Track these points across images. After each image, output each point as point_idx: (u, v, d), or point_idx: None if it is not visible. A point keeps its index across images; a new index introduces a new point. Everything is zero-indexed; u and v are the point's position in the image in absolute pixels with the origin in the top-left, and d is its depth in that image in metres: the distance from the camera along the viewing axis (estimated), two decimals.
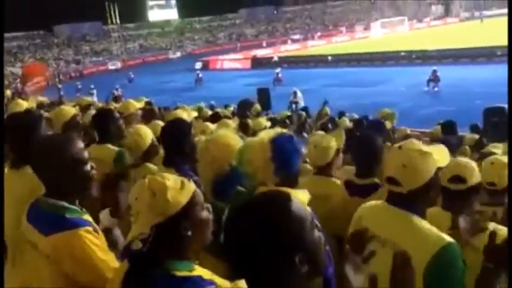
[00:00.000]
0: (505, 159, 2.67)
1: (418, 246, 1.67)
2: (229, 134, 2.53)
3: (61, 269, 1.89)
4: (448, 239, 1.70)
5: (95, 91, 27.17)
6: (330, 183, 2.97)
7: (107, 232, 2.13)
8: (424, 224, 1.76)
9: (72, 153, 1.99)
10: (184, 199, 1.49)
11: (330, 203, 2.74)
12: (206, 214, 1.58)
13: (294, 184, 2.05)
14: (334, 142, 3.00)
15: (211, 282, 1.43)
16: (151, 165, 3.32)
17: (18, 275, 2.36)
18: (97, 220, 2.14)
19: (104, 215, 2.20)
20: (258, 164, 1.98)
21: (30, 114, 2.78)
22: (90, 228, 1.92)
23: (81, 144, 2.07)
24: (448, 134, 6.20)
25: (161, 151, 3.54)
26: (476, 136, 7.04)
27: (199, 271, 1.47)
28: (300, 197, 1.91)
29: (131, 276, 1.47)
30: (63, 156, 1.97)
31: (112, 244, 2.09)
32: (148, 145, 3.39)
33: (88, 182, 2.09)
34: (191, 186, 1.54)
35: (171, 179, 1.52)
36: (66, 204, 1.95)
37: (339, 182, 3.02)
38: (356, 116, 9.81)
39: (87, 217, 2.00)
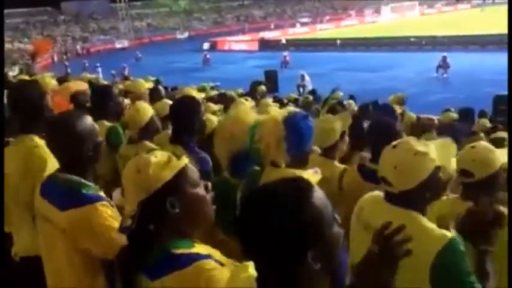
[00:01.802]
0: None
1: (421, 244, 1.61)
2: (248, 111, 2.52)
3: (77, 243, 1.95)
4: (450, 234, 1.66)
5: (100, 69, 27.10)
6: (329, 166, 2.94)
7: (119, 210, 2.16)
8: (424, 222, 1.73)
9: (86, 125, 2.08)
10: (167, 174, 1.47)
11: (329, 186, 2.71)
12: (200, 191, 1.54)
13: (304, 164, 2.03)
14: (338, 124, 2.95)
15: (208, 256, 1.43)
16: (148, 143, 3.24)
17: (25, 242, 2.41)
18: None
19: (117, 193, 2.23)
20: (270, 142, 1.96)
21: (37, 88, 2.79)
22: (106, 203, 1.98)
23: (90, 118, 2.15)
24: (465, 121, 6.10)
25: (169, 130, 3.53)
26: (487, 122, 6.96)
27: (199, 248, 1.47)
28: (310, 177, 1.90)
29: (129, 253, 1.47)
30: (80, 129, 2.04)
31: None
32: (145, 122, 3.28)
33: (101, 152, 2.17)
34: (179, 163, 1.51)
35: (159, 155, 1.50)
36: (81, 180, 2.01)
37: (339, 165, 2.99)
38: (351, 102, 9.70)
39: (102, 193, 2.05)
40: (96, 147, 2.10)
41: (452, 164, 2.55)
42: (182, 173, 1.50)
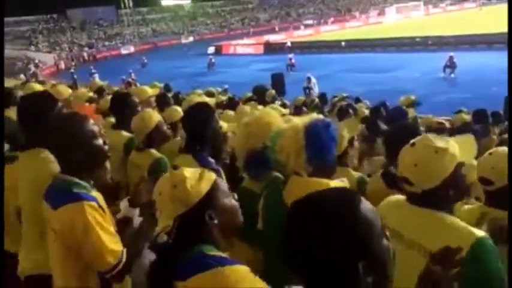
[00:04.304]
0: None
1: (450, 243, 1.53)
2: (274, 113, 2.51)
3: (64, 243, 1.93)
4: (481, 233, 1.59)
5: (96, 75, 26.84)
6: (344, 173, 2.89)
7: (127, 221, 2.13)
8: (453, 220, 1.66)
9: (83, 127, 2.03)
10: (204, 188, 1.52)
11: None
12: (232, 201, 1.60)
13: (329, 173, 1.97)
14: (346, 132, 2.91)
15: (240, 263, 1.44)
16: (153, 151, 3.20)
17: (32, 259, 2.37)
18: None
19: (124, 203, 2.20)
20: (290, 151, 1.90)
21: (47, 98, 2.71)
22: (94, 204, 1.93)
23: (92, 120, 2.11)
24: (479, 123, 5.98)
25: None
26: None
27: (229, 255, 1.50)
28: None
29: (159, 264, 1.47)
30: (76, 132, 2.01)
31: (132, 233, 2.10)
32: (150, 129, 3.24)
33: (102, 156, 2.12)
34: (211, 176, 1.57)
35: (190, 171, 1.56)
36: (76, 180, 1.98)
37: (354, 172, 2.95)
38: (367, 103, 9.64)
39: (96, 194, 2.01)
40: (93, 151, 2.04)
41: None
42: (216, 185, 1.56)
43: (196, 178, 1.53)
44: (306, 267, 1.05)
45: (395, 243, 1.65)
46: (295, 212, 1.09)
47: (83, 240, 1.89)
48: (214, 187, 1.55)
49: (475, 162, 2.26)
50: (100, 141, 2.08)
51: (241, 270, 1.42)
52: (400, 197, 1.85)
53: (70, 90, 4.82)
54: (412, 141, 1.75)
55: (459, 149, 1.71)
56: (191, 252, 1.45)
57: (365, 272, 1.01)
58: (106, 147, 2.12)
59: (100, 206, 1.96)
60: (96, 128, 2.09)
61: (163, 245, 1.48)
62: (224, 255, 1.47)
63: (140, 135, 3.28)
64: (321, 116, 2.04)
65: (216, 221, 1.51)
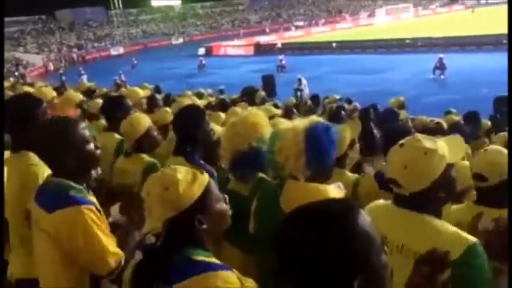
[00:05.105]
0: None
1: (439, 247, 1.48)
2: (260, 114, 2.46)
3: (60, 247, 1.88)
4: (472, 239, 1.55)
5: (85, 76, 26.61)
6: (341, 175, 2.86)
7: (115, 227, 2.09)
8: (441, 225, 1.61)
9: (75, 133, 1.99)
10: (197, 192, 1.46)
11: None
12: (222, 206, 1.56)
13: (327, 177, 1.93)
14: (348, 133, 2.88)
15: (227, 267, 1.42)
16: (143, 156, 3.12)
17: (20, 263, 2.31)
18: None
19: (115, 209, 2.14)
20: (290, 153, 1.85)
21: (31, 99, 2.69)
22: (92, 207, 1.90)
23: (83, 124, 2.07)
24: (469, 125, 5.99)
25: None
26: (489, 123, 6.88)
27: (216, 260, 1.46)
28: (333, 192, 1.81)
29: (145, 265, 1.43)
30: (67, 137, 1.96)
31: (120, 240, 2.05)
32: (140, 134, 3.13)
33: (93, 161, 2.08)
34: (204, 178, 1.51)
35: (183, 172, 1.48)
36: (71, 183, 1.94)
37: (350, 174, 2.92)
38: (357, 104, 9.64)
39: (91, 198, 1.98)
40: (85, 156, 2.00)
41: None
42: (208, 188, 1.50)
43: (189, 181, 1.46)
44: (300, 276, 1.01)
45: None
46: (294, 221, 1.05)
47: (84, 244, 1.85)
48: (207, 191, 1.49)
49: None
50: (91, 146, 2.04)
51: (232, 276, 1.40)
52: (384, 201, 1.80)
53: (54, 93, 4.77)
54: (401, 141, 1.70)
55: (448, 149, 1.67)
56: (180, 256, 1.41)
57: (360, 287, 0.98)
58: (98, 151, 2.08)
59: (97, 209, 1.92)
60: (87, 133, 2.04)
61: (150, 246, 1.43)
62: (214, 259, 1.44)
63: (129, 140, 3.18)
64: (321, 119, 1.99)
65: (205, 226, 1.47)
